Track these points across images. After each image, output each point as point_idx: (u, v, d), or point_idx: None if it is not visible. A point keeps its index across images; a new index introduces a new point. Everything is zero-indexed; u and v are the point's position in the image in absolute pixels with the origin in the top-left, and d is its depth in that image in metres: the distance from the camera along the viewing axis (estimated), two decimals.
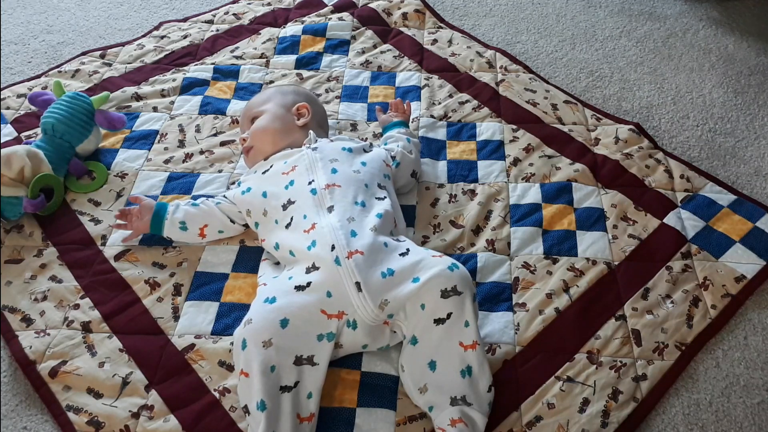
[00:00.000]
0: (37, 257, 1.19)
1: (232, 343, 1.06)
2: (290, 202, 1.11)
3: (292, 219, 1.10)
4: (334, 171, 1.13)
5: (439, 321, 0.95)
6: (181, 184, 1.33)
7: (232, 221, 1.19)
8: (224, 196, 1.21)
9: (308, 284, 0.99)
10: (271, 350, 0.92)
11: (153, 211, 1.17)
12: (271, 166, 1.19)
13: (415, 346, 0.98)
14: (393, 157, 1.26)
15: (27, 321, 1.10)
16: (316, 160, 1.16)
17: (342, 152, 1.19)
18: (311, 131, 1.25)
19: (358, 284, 0.97)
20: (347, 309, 0.98)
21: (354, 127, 1.47)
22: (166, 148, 1.41)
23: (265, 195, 1.15)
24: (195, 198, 1.25)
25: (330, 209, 1.07)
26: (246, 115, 1.31)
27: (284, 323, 0.94)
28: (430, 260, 1.00)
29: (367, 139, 1.42)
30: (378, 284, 0.98)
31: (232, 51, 1.68)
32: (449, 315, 0.95)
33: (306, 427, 0.93)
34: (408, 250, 1.03)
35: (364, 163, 1.18)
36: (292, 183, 1.14)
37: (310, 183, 1.12)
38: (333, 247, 1.00)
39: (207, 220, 1.18)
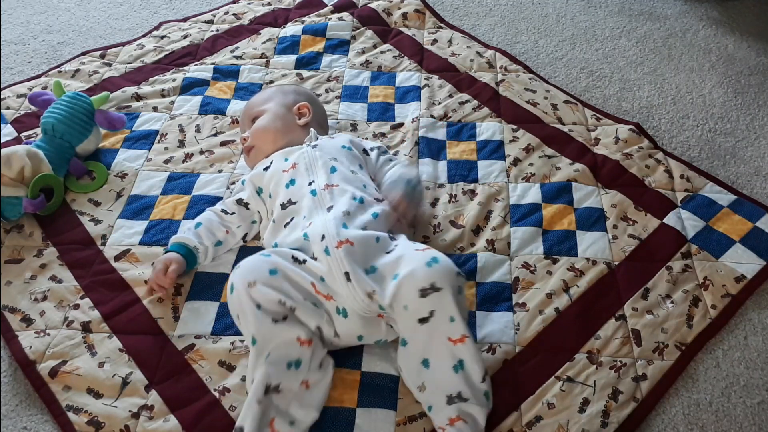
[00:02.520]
0: (37, 257, 1.19)
1: (232, 343, 1.06)
2: (290, 203, 1.11)
3: (292, 219, 1.10)
4: (333, 170, 1.13)
5: (423, 320, 0.94)
6: (181, 184, 1.33)
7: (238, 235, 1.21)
8: (237, 201, 1.20)
9: (304, 261, 1.02)
10: (256, 289, 0.94)
11: (182, 269, 1.13)
12: (271, 163, 1.19)
13: (405, 347, 0.98)
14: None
15: (27, 321, 1.10)
16: (316, 158, 1.16)
17: (342, 150, 1.19)
18: (312, 129, 1.25)
19: (347, 274, 0.98)
20: (337, 297, 0.99)
21: (354, 127, 1.47)
22: (166, 148, 1.41)
23: (270, 195, 1.16)
24: (209, 210, 1.21)
25: (329, 209, 1.07)
26: (246, 115, 1.31)
27: (273, 272, 0.97)
28: (409, 256, 0.98)
29: (368, 138, 1.42)
30: (365, 277, 0.98)
31: (232, 51, 1.68)
32: (432, 313, 0.94)
33: (306, 351, 0.94)
34: (396, 246, 1.03)
35: (361, 166, 1.19)
36: (293, 182, 1.14)
37: (310, 184, 1.12)
38: (323, 237, 1.01)
39: (229, 248, 1.20)
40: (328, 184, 1.10)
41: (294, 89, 1.36)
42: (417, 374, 0.97)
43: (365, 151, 1.25)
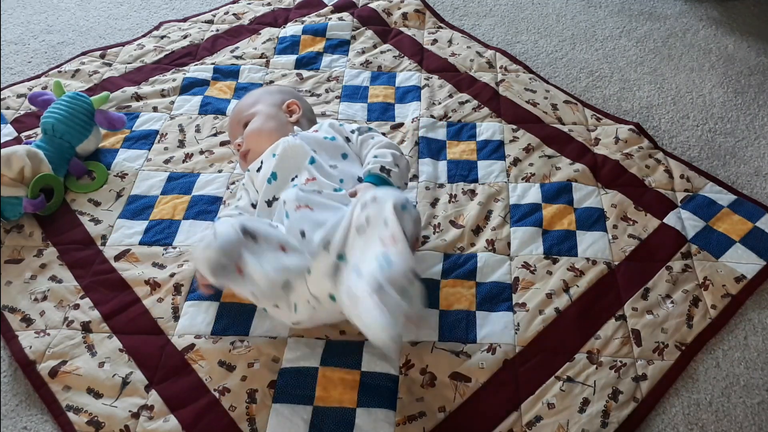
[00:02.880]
0: (37, 257, 1.19)
1: (232, 343, 1.07)
2: (275, 199, 1.11)
3: (274, 216, 1.10)
4: (312, 161, 1.12)
5: (360, 229, 0.92)
6: (181, 184, 1.33)
7: None
8: (252, 204, 1.18)
9: (276, 227, 1.03)
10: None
11: None
12: (261, 162, 1.18)
13: (344, 261, 0.94)
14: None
15: (27, 321, 1.10)
16: (297, 149, 1.14)
17: (324, 142, 1.17)
18: (296, 126, 1.24)
19: (302, 232, 0.99)
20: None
21: None
22: (166, 148, 1.41)
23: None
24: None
25: None
26: (236, 121, 1.29)
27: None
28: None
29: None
30: (318, 230, 0.97)
31: (232, 51, 1.68)
32: (368, 219, 0.91)
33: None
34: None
35: (345, 156, 1.17)
36: (274, 176, 1.13)
37: (293, 179, 1.11)
38: (285, 203, 1.02)
39: None
40: (308, 179, 1.10)
41: (278, 89, 1.36)
42: (351, 287, 0.89)
43: (348, 138, 1.22)
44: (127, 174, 1.35)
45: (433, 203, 1.30)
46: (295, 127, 1.24)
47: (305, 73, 1.61)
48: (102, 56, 1.65)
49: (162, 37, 1.72)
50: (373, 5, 1.83)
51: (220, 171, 1.36)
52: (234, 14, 1.81)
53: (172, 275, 1.16)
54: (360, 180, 1.13)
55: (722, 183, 1.36)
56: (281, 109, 1.28)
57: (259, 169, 1.17)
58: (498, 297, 1.14)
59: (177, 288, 1.14)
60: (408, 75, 1.62)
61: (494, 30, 1.83)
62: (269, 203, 1.11)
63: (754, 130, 1.53)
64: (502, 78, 1.61)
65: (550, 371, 1.05)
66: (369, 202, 0.92)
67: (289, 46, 1.69)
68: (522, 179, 1.35)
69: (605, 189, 1.34)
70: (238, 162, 1.37)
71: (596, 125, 1.50)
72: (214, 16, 1.81)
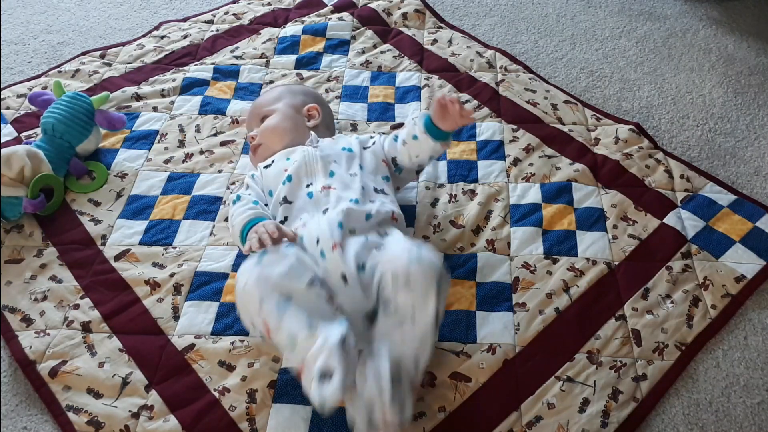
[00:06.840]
0: (37, 257, 1.19)
1: (232, 343, 1.06)
2: (286, 200, 1.11)
3: (286, 218, 1.10)
4: (331, 174, 1.13)
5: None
6: (181, 184, 1.33)
7: None
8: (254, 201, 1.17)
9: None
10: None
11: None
12: (272, 162, 1.19)
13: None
14: (396, 164, 1.22)
15: (27, 321, 1.10)
16: (317, 159, 1.15)
17: (342, 152, 1.18)
18: (312, 133, 1.24)
19: (344, 276, 0.98)
20: (335, 297, 0.98)
21: (354, 127, 1.47)
22: (166, 148, 1.41)
23: (270, 194, 1.15)
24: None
25: (325, 211, 1.06)
26: (255, 114, 1.31)
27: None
28: (391, 250, 0.97)
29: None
30: (362, 275, 0.98)
31: (232, 51, 1.68)
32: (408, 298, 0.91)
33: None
34: (385, 243, 1.01)
35: (362, 167, 1.17)
36: (289, 179, 1.13)
37: (308, 186, 1.12)
38: (318, 241, 1.01)
39: None
40: (325, 186, 1.10)
41: (302, 90, 1.36)
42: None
43: (365, 148, 1.22)
44: (127, 174, 1.35)
45: (433, 203, 1.30)
46: (312, 133, 1.23)
47: (305, 73, 1.61)
48: (102, 56, 1.65)
49: (162, 37, 1.72)
50: (373, 5, 1.83)
51: (220, 171, 1.36)
52: (234, 14, 1.81)
53: (172, 275, 1.16)
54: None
55: (722, 183, 1.36)
56: (300, 111, 1.29)
57: (268, 167, 1.18)
58: (498, 297, 1.14)
59: (177, 288, 1.14)
60: (408, 75, 1.62)
61: (494, 30, 1.83)
62: (281, 203, 1.12)
63: (754, 130, 1.53)
64: (502, 78, 1.61)
65: (550, 371, 1.05)
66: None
67: (289, 46, 1.69)
68: (522, 179, 1.35)
69: (605, 189, 1.34)
70: (239, 159, 1.37)
71: (596, 125, 1.50)
72: (214, 16, 1.81)
